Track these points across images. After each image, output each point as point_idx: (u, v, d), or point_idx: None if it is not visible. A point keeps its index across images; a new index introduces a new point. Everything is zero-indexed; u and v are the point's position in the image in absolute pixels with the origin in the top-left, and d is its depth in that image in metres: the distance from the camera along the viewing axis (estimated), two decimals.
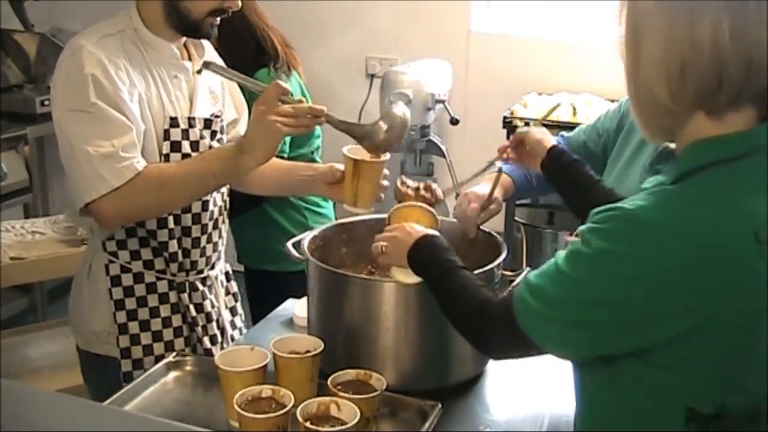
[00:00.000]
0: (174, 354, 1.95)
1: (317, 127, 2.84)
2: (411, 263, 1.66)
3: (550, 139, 2.00)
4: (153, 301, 2.07)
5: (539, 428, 1.77)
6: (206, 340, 2.12)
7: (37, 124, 4.05)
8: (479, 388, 1.90)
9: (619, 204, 1.26)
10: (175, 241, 2.05)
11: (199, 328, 2.12)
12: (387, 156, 1.95)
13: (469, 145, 3.96)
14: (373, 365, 1.76)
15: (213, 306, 2.16)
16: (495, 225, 2.10)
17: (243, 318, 2.32)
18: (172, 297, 2.09)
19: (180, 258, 2.07)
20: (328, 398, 1.60)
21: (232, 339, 2.19)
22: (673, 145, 1.35)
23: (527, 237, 3.82)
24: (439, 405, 1.71)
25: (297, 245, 2.00)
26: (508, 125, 3.65)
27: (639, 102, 1.30)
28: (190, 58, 2.11)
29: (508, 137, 3.62)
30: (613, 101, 3.29)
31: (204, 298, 2.13)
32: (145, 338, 2.06)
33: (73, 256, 3.00)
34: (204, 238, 2.10)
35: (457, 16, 4.23)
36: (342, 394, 1.61)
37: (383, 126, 1.88)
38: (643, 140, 1.91)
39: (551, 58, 4.01)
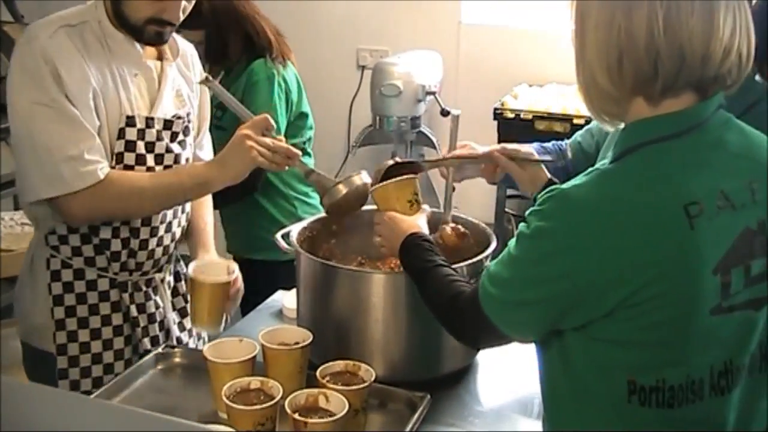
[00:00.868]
0: (163, 345, 1.95)
1: (309, 117, 2.84)
2: (402, 265, 1.74)
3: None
4: (93, 298, 2.03)
5: (528, 416, 1.77)
6: (146, 341, 2.07)
7: None
8: (468, 378, 1.91)
9: (557, 185, 1.33)
10: (119, 241, 2.01)
11: (140, 329, 2.07)
12: (230, 277, 1.97)
13: (460, 137, 3.94)
14: (362, 357, 1.75)
15: (157, 307, 2.11)
16: (485, 216, 2.10)
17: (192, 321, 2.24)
18: (113, 295, 2.04)
19: (123, 258, 2.03)
20: (316, 390, 1.60)
21: (180, 341, 2.14)
22: None
23: (517, 228, 3.81)
24: (428, 396, 1.72)
25: (286, 236, 2.00)
26: (499, 117, 3.64)
27: (585, 88, 1.37)
28: (161, 57, 2.06)
29: (498, 129, 3.64)
30: None
31: (147, 298, 2.09)
32: (83, 335, 2.01)
33: None
34: (153, 241, 2.06)
35: (447, 7, 4.22)
36: (331, 385, 1.61)
37: (342, 190, 1.92)
38: None
39: (542, 49, 4.00)
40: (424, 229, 1.77)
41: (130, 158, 1.95)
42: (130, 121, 1.95)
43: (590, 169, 1.34)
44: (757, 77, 1.83)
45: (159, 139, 2.00)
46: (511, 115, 3.63)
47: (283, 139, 1.97)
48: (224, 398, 1.55)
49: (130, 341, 2.07)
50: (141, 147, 1.97)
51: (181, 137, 2.06)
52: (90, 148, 1.86)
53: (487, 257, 1.86)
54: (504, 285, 1.38)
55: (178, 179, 1.98)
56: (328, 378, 1.65)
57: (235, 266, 2.01)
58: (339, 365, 1.70)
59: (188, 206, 2.16)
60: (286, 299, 2.22)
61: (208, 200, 2.25)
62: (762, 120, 1.54)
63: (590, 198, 1.28)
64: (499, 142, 2.37)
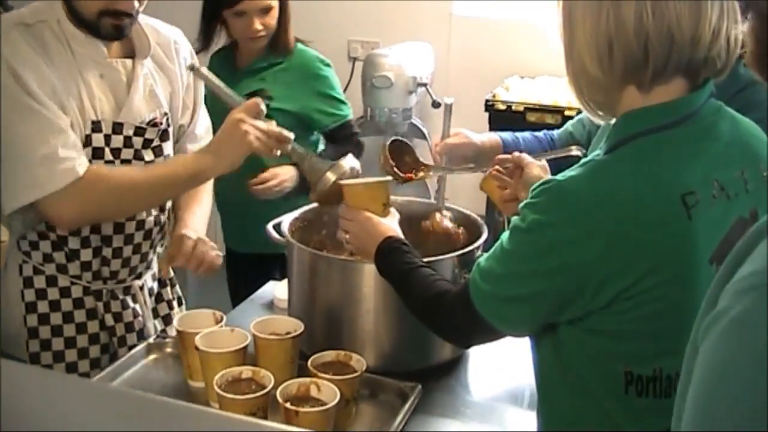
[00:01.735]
0: (154, 336, 1.94)
1: None
2: (378, 269, 1.67)
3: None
4: (67, 305, 1.94)
5: (519, 406, 1.78)
6: (124, 350, 1.98)
7: None
8: (459, 369, 1.91)
9: (552, 177, 1.32)
10: (89, 250, 1.93)
11: (116, 338, 2.00)
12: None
13: (452, 129, 3.95)
14: (353, 347, 1.76)
15: (135, 316, 2.03)
16: (476, 208, 2.11)
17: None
18: (88, 302, 1.96)
19: (96, 267, 1.95)
20: (308, 379, 1.60)
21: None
22: None
23: (508, 219, 3.82)
24: (419, 386, 1.72)
25: (277, 227, 2.00)
26: (491, 108, 3.65)
27: (575, 79, 1.36)
28: (133, 56, 1.94)
29: (490, 120, 3.63)
30: None
31: (125, 307, 2.01)
32: (57, 344, 1.94)
33: None
34: (128, 249, 1.98)
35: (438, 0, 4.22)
36: (322, 375, 1.62)
37: (331, 177, 1.84)
38: None
39: (533, 41, 4.00)
40: (399, 233, 1.71)
41: (98, 165, 1.84)
42: (96, 127, 1.85)
43: (584, 160, 1.34)
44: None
45: (127, 146, 1.90)
46: (502, 107, 3.63)
47: (274, 122, 1.90)
48: (216, 387, 1.55)
49: (107, 350, 2.00)
50: (108, 154, 1.87)
51: (156, 143, 1.96)
52: (64, 144, 1.76)
53: (478, 248, 1.86)
54: (497, 280, 1.36)
55: (172, 170, 1.89)
56: (319, 368, 1.65)
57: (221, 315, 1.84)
58: (330, 355, 1.70)
59: (170, 208, 2.08)
60: (277, 290, 2.22)
61: (201, 196, 2.11)
62: (748, 105, 1.56)
63: (586, 190, 1.28)
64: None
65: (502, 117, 3.59)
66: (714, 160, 1.32)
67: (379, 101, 3.61)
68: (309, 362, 1.66)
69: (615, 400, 1.33)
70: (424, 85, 3.66)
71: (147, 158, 1.93)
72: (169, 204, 2.08)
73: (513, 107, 3.61)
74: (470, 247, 1.84)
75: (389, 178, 1.81)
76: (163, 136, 1.98)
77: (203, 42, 2.84)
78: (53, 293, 1.93)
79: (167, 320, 2.12)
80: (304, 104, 2.81)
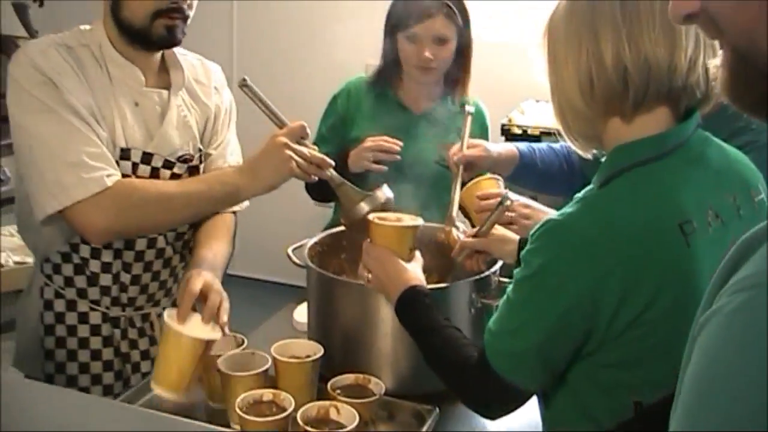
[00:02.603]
0: None
1: None
2: (398, 316, 1.65)
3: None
4: (84, 331, 1.96)
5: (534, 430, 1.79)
6: (138, 377, 2.00)
7: None
8: None
9: (549, 217, 1.33)
10: (110, 276, 1.94)
11: (130, 365, 2.01)
12: (216, 335, 1.70)
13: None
14: (372, 370, 1.79)
15: (152, 344, 2.03)
16: None
17: None
18: (105, 330, 1.97)
19: (115, 293, 1.96)
20: (327, 402, 1.62)
21: None
22: None
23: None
24: (437, 409, 1.74)
25: (297, 251, 2.03)
26: (507, 132, 3.67)
27: (562, 113, 1.40)
28: (168, 88, 1.95)
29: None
30: None
31: (141, 335, 2.02)
32: (71, 368, 1.95)
33: None
34: (147, 276, 1.99)
35: None
36: (341, 398, 1.64)
37: (365, 207, 1.84)
38: None
39: None
40: (423, 281, 1.68)
41: None
42: (125, 154, 1.85)
43: (577, 196, 1.35)
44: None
45: (154, 176, 1.89)
46: (518, 131, 3.66)
47: (316, 147, 1.88)
48: (237, 410, 1.58)
49: (120, 376, 2.01)
50: None
51: (186, 176, 1.95)
52: (92, 155, 1.75)
53: (494, 273, 1.89)
54: (513, 336, 1.35)
55: (207, 186, 1.87)
56: (338, 390, 1.68)
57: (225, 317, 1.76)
58: (349, 378, 1.73)
59: (191, 238, 2.04)
60: (296, 313, 2.25)
61: (223, 234, 2.03)
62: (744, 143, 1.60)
63: (584, 225, 1.29)
64: None
65: (517, 141, 3.61)
66: (706, 187, 1.34)
67: None
68: (328, 385, 1.69)
69: (623, 427, 1.33)
70: None
71: None
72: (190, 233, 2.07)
73: (528, 131, 3.65)
74: (486, 273, 1.87)
75: (420, 222, 1.77)
76: (192, 172, 1.97)
77: (383, 69, 2.63)
78: (71, 318, 1.95)
79: None
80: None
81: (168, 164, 1.92)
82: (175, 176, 1.93)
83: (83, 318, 1.96)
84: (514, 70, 4.15)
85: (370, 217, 1.76)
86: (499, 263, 1.91)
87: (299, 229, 2.82)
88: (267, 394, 1.64)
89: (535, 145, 2.30)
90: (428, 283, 1.69)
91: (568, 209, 1.33)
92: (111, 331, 1.98)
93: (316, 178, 1.86)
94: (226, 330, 1.73)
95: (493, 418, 1.58)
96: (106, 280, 1.95)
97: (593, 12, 1.31)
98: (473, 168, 2.16)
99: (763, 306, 0.65)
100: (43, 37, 1.87)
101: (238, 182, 1.85)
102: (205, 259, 1.88)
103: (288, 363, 1.74)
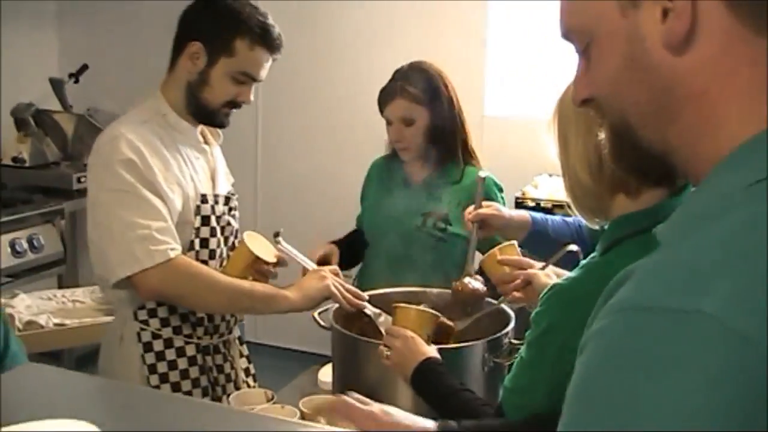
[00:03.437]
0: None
1: None
2: (413, 386, 1.81)
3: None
4: (183, 364, 2.21)
5: None
6: (225, 399, 2.25)
7: (73, 199, 4.17)
8: None
9: (556, 282, 1.47)
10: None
11: (219, 388, 2.28)
12: (271, 259, 2.25)
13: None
14: None
15: (232, 367, 2.34)
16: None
17: (255, 380, 2.46)
18: (199, 359, 2.23)
19: (205, 322, 2.25)
20: None
21: None
22: None
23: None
24: None
25: (323, 314, 2.17)
26: (521, 206, 3.75)
27: (571, 189, 1.52)
28: (206, 141, 2.32)
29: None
30: None
31: (225, 360, 2.32)
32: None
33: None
34: None
35: (471, 101, 4.32)
36: None
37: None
38: None
39: None
40: (438, 357, 1.83)
41: (205, 232, 2.20)
42: (204, 199, 2.21)
43: (581, 264, 1.49)
44: None
45: (224, 213, 2.27)
46: (531, 204, 3.74)
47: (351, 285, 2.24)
48: None
49: (213, 399, 2.26)
50: (213, 221, 2.23)
51: (234, 211, 2.34)
52: (160, 229, 2.05)
53: (506, 334, 1.99)
54: (528, 392, 1.48)
55: (251, 285, 2.17)
56: None
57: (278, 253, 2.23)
58: None
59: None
60: (321, 373, 2.35)
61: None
62: None
63: (588, 289, 1.34)
64: None
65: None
66: None
67: None
68: None
69: None
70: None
71: (234, 225, 2.32)
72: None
73: (542, 203, 3.73)
74: (498, 334, 1.97)
75: (439, 315, 1.99)
76: (236, 206, 2.36)
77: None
78: (170, 354, 2.21)
79: (247, 372, 2.43)
80: None
81: (227, 200, 2.31)
82: (231, 209, 2.32)
83: (180, 352, 2.22)
84: (528, 144, 4.23)
85: (395, 304, 1.99)
86: (511, 325, 2.02)
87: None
88: None
89: (548, 216, 2.40)
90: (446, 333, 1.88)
91: (572, 274, 1.47)
92: (203, 359, 2.25)
93: (353, 309, 2.17)
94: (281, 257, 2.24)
95: None
96: (197, 313, 2.23)
97: None
98: (487, 227, 2.24)
99: (618, 330, 0.77)
100: (122, 118, 2.18)
101: (280, 290, 2.16)
102: None
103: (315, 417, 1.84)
